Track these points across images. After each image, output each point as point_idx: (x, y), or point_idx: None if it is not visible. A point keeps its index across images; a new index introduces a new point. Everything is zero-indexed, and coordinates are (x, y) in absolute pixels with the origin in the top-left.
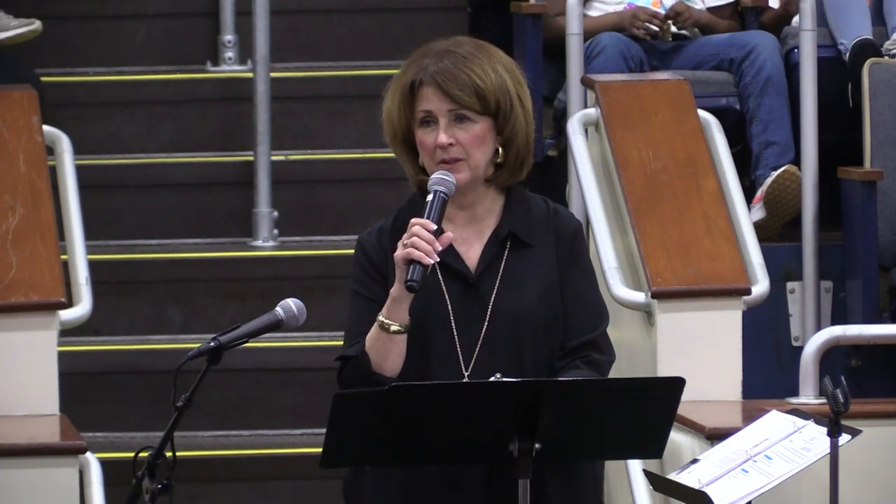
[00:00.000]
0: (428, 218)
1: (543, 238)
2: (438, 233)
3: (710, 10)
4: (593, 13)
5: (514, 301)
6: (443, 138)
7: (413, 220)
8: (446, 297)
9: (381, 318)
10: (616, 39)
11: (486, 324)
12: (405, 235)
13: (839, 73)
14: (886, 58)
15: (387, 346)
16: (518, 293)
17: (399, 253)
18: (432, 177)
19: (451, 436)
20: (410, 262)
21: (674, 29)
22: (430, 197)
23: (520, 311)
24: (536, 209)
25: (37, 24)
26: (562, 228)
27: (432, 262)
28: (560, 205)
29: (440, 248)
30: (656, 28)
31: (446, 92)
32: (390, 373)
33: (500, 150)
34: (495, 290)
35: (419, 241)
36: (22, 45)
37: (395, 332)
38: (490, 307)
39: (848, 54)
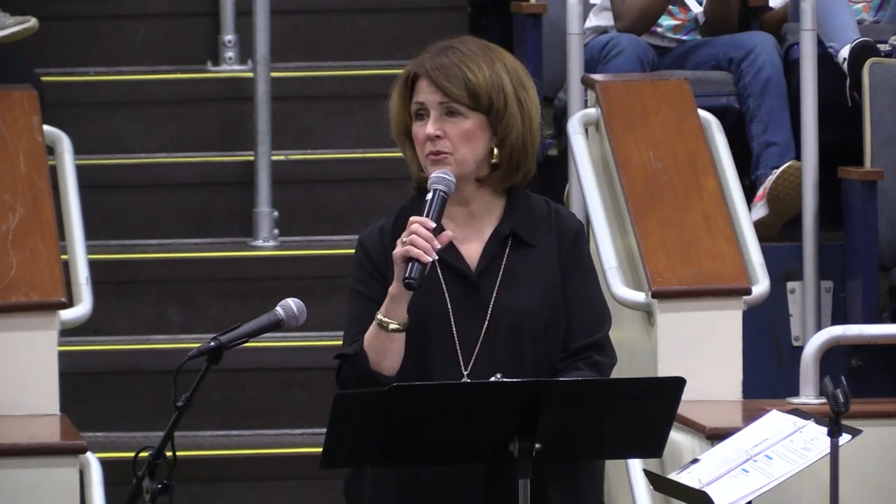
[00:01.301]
0: (427, 216)
1: (545, 238)
2: (438, 231)
3: None
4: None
5: (514, 300)
6: (430, 129)
7: (412, 218)
8: (446, 295)
9: (379, 316)
10: (634, 42)
11: (486, 322)
12: (404, 233)
13: (839, 72)
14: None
15: (385, 345)
16: (519, 292)
17: (398, 251)
18: (432, 175)
19: (452, 436)
20: (409, 259)
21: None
22: (429, 195)
23: (520, 310)
24: (538, 209)
25: (32, 22)
26: (563, 229)
27: (431, 259)
28: (561, 205)
29: (439, 246)
30: None
31: (437, 84)
32: (388, 371)
33: (496, 150)
34: (496, 289)
35: (418, 239)
36: (22, 45)
37: (394, 331)
38: (491, 306)
39: (843, 55)
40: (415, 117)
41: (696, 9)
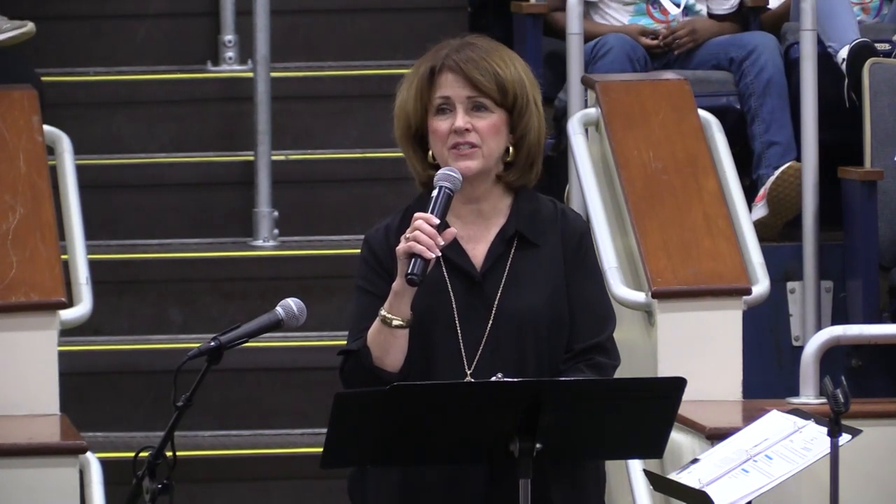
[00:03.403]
0: (431, 212)
1: (550, 239)
2: (442, 228)
3: (713, 16)
4: (598, 18)
5: (518, 301)
6: (460, 122)
7: (416, 214)
8: (451, 294)
9: (383, 312)
10: (622, 41)
11: (489, 323)
12: (408, 229)
13: (839, 72)
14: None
15: (388, 341)
16: (523, 293)
17: (401, 246)
18: (438, 172)
19: (452, 436)
20: (412, 255)
21: (682, 49)
22: (434, 192)
23: (524, 310)
24: (544, 210)
25: (29, 27)
26: (569, 230)
27: (433, 256)
28: (567, 206)
29: (442, 243)
30: (659, 51)
31: (468, 76)
32: (391, 368)
33: (511, 148)
34: (500, 289)
35: (421, 235)
36: (22, 45)
37: (397, 327)
38: (495, 306)
39: (842, 55)
40: (436, 112)
41: (674, 11)
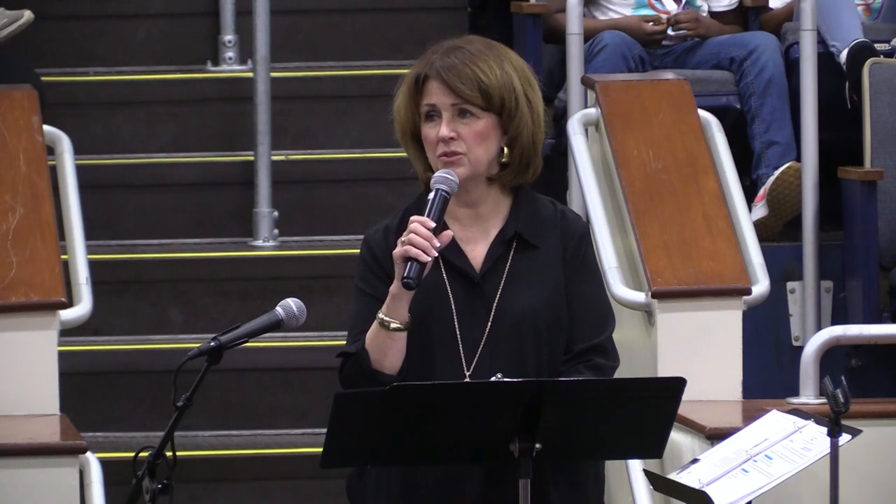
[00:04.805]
0: (427, 216)
1: (550, 240)
2: (439, 230)
3: (713, 14)
4: (600, 15)
5: (518, 302)
6: (444, 131)
7: (412, 218)
8: (450, 295)
9: (380, 315)
10: (618, 38)
11: (489, 324)
12: (404, 233)
13: (839, 72)
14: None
15: (386, 344)
16: (522, 294)
17: (397, 250)
18: (435, 175)
19: (452, 436)
20: (408, 259)
21: (680, 33)
22: (431, 195)
23: (523, 311)
24: (543, 210)
25: (27, 16)
26: (568, 231)
27: (429, 259)
28: (567, 207)
29: (438, 246)
30: (661, 36)
31: (449, 85)
32: (390, 370)
33: (506, 149)
34: (500, 291)
35: (416, 238)
36: (22, 45)
37: (395, 330)
38: (494, 307)
39: (844, 56)
40: (425, 118)
41: (673, 7)
